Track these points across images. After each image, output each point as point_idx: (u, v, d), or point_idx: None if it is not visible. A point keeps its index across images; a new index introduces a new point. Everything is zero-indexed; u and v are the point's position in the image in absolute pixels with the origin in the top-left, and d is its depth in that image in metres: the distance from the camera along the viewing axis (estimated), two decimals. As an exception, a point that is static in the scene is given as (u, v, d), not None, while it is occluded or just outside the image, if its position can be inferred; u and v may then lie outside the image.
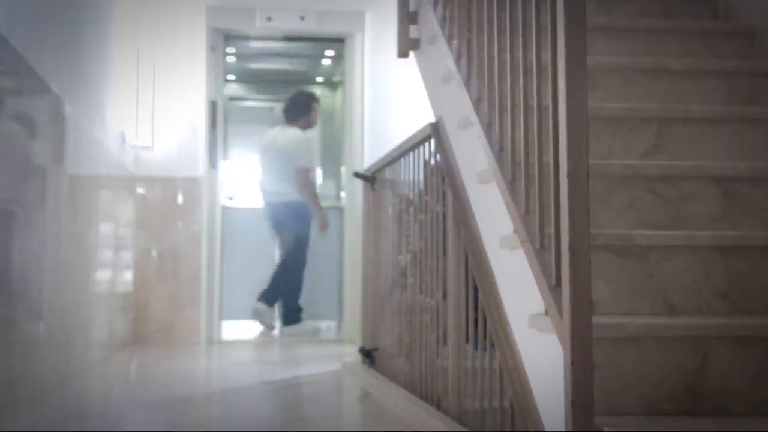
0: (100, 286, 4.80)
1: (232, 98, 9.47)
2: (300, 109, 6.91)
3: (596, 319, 1.89)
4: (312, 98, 7.06)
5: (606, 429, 1.85)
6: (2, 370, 2.83)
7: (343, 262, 6.82)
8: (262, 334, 6.90)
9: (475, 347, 2.85)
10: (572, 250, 1.87)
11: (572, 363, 1.83)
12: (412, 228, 3.79)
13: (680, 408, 2.03)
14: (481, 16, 2.76)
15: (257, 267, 7.23)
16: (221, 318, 6.67)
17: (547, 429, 2.14)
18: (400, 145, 3.95)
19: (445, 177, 3.18)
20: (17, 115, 3.01)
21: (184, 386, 4.36)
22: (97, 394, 4.05)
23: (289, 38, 7.10)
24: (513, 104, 2.41)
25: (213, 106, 6.57)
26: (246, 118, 9.15)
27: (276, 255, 7.23)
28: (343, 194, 7.38)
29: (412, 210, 3.79)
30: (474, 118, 2.75)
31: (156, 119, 6.27)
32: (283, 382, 4.50)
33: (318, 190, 7.00)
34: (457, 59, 3.06)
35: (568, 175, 1.89)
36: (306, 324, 6.84)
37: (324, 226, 6.76)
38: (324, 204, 7.04)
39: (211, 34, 6.53)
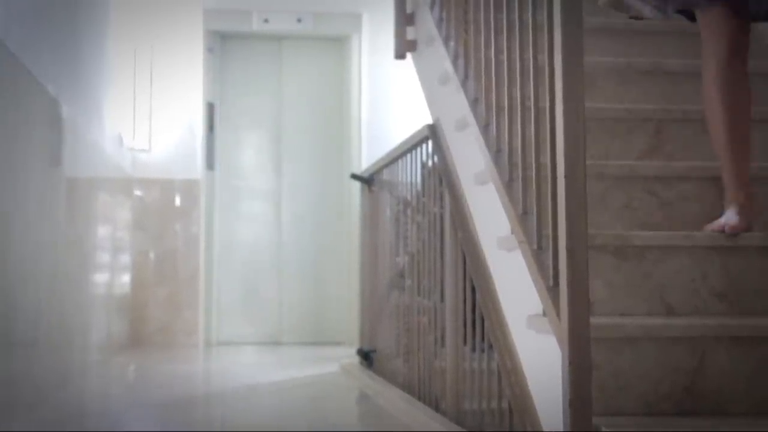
0: (98, 288, 4.80)
1: (230, 100, 9.45)
2: None
3: (594, 320, 1.89)
4: None
5: (604, 429, 1.85)
6: (0, 372, 2.83)
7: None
8: None
9: (473, 348, 2.85)
10: (570, 250, 1.87)
11: (570, 363, 1.83)
12: (409, 229, 3.79)
13: (678, 408, 2.03)
14: (477, 17, 2.76)
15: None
16: (219, 320, 6.67)
17: (545, 429, 2.14)
18: (398, 147, 3.95)
19: (442, 178, 3.18)
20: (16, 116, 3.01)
21: (181, 388, 4.35)
22: (95, 397, 4.05)
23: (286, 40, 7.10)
24: (510, 105, 2.41)
25: (210, 107, 6.57)
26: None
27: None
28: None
29: (409, 211, 3.80)
30: (471, 119, 2.76)
31: (153, 121, 6.27)
32: (281, 384, 4.49)
33: None
34: (454, 60, 3.06)
35: (565, 176, 1.89)
36: None
37: None
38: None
39: (208, 36, 6.54)
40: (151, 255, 6.26)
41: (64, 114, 3.76)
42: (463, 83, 2.91)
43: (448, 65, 3.12)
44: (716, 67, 2.44)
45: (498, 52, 2.54)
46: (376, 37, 6.48)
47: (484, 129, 2.63)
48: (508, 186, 2.38)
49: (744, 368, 2.06)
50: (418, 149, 3.60)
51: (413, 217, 3.71)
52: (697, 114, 2.87)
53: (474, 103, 2.78)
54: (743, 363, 2.06)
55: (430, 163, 3.45)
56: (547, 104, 2.02)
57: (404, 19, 3.98)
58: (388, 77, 6.46)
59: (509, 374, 2.43)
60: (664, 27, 3.45)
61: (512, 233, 2.33)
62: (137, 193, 6.22)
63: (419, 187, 3.64)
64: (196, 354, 5.94)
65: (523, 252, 2.21)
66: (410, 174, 3.77)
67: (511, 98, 2.41)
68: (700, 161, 2.73)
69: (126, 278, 5.88)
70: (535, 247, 2.14)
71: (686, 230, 2.48)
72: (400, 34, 3.98)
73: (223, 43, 6.79)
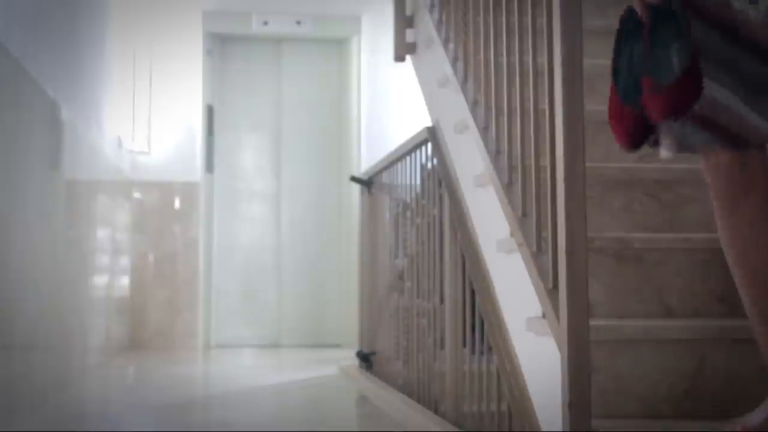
0: (98, 291, 4.79)
1: (229, 102, 9.46)
2: None
3: (593, 322, 1.89)
4: None
5: (603, 431, 1.85)
6: (0, 374, 2.83)
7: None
8: None
9: (473, 351, 2.85)
10: (569, 253, 1.87)
11: (569, 366, 1.83)
12: (408, 232, 3.79)
13: (677, 410, 2.03)
14: (477, 19, 2.76)
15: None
16: (218, 322, 6.67)
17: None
18: (397, 149, 3.95)
19: (441, 181, 3.18)
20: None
21: (180, 390, 4.35)
22: (94, 399, 4.04)
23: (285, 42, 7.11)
24: (509, 108, 2.42)
25: (210, 110, 6.57)
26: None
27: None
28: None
29: (408, 214, 3.80)
30: (470, 121, 2.76)
31: (153, 124, 6.27)
32: (280, 386, 4.49)
33: None
34: (454, 63, 3.06)
35: (564, 179, 1.89)
36: None
37: None
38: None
39: (207, 38, 6.54)
40: (150, 257, 6.25)
41: (64, 116, 3.76)
42: (463, 85, 2.91)
43: (447, 67, 3.12)
44: (719, 214, 1.88)
45: (497, 54, 2.54)
46: (375, 40, 6.48)
47: (484, 131, 2.63)
48: (507, 188, 2.38)
49: (743, 370, 2.06)
50: (418, 151, 3.60)
51: (412, 220, 3.71)
52: (696, 116, 2.87)
53: (473, 106, 2.78)
54: (742, 365, 2.06)
55: (429, 165, 3.45)
56: (547, 106, 2.02)
57: (404, 21, 3.98)
58: (388, 79, 6.46)
59: (508, 376, 2.43)
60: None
61: (511, 235, 2.33)
62: (136, 195, 6.22)
63: (418, 189, 3.64)
64: (195, 356, 5.93)
65: (522, 254, 2.21)
66: (409, 176, 3.77)
67: (510, 101, 2.41)
68: (700, 164, 2.73)
69: (125, 281, 5.88)
70: (534, 249, 2.14)
71: (686, 233, 2.48)
72: (399, 37, 3.98)
73: (222, 45, 6.79)
